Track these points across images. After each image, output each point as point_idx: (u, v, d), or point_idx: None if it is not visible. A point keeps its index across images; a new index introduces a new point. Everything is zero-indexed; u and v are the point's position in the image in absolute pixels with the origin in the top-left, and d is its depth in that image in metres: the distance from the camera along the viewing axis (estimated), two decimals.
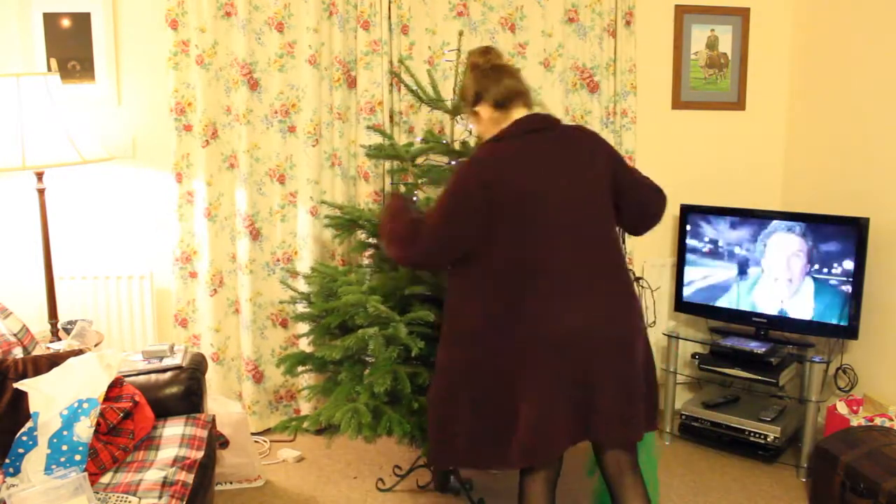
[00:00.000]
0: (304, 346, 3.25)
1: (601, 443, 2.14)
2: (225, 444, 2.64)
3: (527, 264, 1.98)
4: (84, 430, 2.08)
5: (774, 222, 3.14)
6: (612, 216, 2.12)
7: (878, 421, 2.80)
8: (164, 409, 2.45)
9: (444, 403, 2.13)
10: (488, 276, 2.01)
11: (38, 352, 2.52)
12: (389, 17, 3.22)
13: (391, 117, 3.30)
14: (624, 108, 3.40)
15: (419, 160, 2.89)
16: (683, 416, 3.33)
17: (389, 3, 3.20)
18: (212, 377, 3.24)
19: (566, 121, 3.38)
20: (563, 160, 2.04)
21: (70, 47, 3.10)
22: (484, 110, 2.10)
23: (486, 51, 2.17)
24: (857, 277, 2.93)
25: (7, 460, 2.09)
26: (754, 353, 3.11)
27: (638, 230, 2.28)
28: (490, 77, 2.10)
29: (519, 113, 2.09)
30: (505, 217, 1.98)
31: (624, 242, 2.38)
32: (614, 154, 2.14)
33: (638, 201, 2.18)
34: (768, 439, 3.10)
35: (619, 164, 2.14)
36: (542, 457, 2.04)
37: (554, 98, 3.35)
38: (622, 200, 2.13)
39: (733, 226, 3.25)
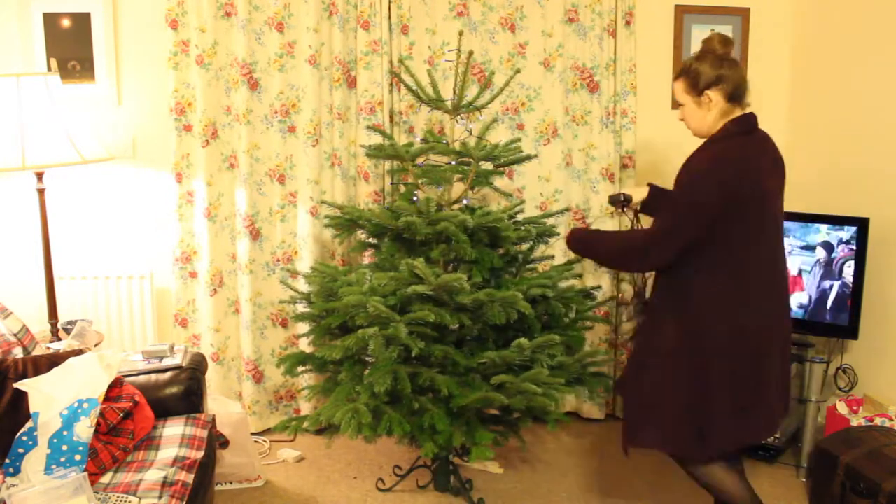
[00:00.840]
0: (304, 346, 3.25)
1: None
2: (225, 444, 2.64)
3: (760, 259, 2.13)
4: (84, 430, 2.08)
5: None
6: None
7: (878, 421, 2.80)
8: (164, 409, 2.45)
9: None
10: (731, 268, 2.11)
11: (38, 352, 2.52)
12: (389, 17, 3.22)
13: (391, 117, 3.30)
14: (624, 108, 3.39)
15: (419, 160, 2.89)
16: None
17: (389, 3, 3.21)
18: (212, 377, 3.24)
19: (566, 121, 3.38)
20: (774, 162, 2.16)
21: (70, 47, 3.10)
22: (716, 97, 2.07)
23: (727, 42, 2.10)
24: (857, 277, 2.93)
25: (7, 460, 2.09)
26: None
27: None
28: (731, 67, 2.07)
29: (742, 110, 2.11)
30: (744, 214, 2.06)
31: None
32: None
33: None
34: (768, 439, 3.09)
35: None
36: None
37: (554, 98, 3.35)
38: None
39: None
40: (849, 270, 2.94)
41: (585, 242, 2.36)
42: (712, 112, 2.09)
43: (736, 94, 2.07)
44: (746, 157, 2.04)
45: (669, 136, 3.58)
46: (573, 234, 2.41)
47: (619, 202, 2.43)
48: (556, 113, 3.36)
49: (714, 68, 2.05)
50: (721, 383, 2.09)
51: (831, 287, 3.00)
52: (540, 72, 3.35)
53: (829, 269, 3.00)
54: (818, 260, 3.02)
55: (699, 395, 2.11)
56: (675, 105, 3.50)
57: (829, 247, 2.99)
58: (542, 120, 3.38)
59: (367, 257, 3.27)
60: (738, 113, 2.09)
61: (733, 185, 2.00)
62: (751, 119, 2.09)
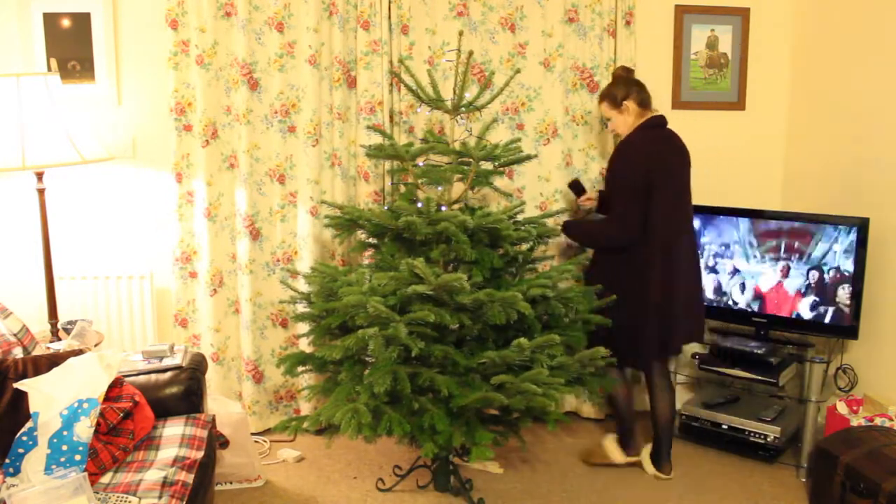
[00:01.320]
0: (304, 346, 3.25)
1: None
2: (225, 444, 2.64)
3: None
4: (84, 430, 2.08)
5: (774, 222, 3.14)
6: None
7: (878, 421, 2.80)
8: (164, 409, 2.45)
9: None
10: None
11: (38, 352, 2.52)
12: (389, 17, 3.22)
13: (391, 117, 3.30)
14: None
15: (419, 160, 2.89)
16: (683, 416, 3.33)
17: (389, 3, 3.21)
18: (211, 377, 3.24)
19: (566, 121, 3.38)
20: (678, 150, 2.89)
21: (70, 47, 3.10)
22: (631, 105, 2.85)
23: (629, 70, 3.00)
24: (857, 277, 2.93)
25: (7, 460, 2.09)
26: (754, 353, 3.11)
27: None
28: (635, 84, 2.88)
29: (651, 113, 2.87)
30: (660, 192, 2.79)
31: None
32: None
33: None
34: (768, 439, 3.09)
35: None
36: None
37: (554, 98, 3.35)
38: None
39: (733, 226, 3.25)
40: (849, 270, 2.94)
41: (581, 231, 3.04)
42: (631, 116, 2.87)
43: (643, 102, 2.87)
44: (651, 144, 2.81)
45: None
46: (568, 225, 3.09)
47: (577, 188, 3.20)
48: (557, 113, 3.36)
49: (625, 86, 2.86)
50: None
51: (831, 287, 3.00)
52: (540, 72, 3.35)
53: (829, 269, 3.00)
54: (818, 260, 3.02)
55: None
56: (676, 105, 3.55)
57: (828, 247, 2.99)
58: (541, 120, 3.38)
59: (367, 257, 3.27)
60: (648, 116, 2.85)
61: (643, 164, 2.76)
62: (657, 119, 2.85)
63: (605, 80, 3.37)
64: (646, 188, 2.74)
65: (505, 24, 3.31)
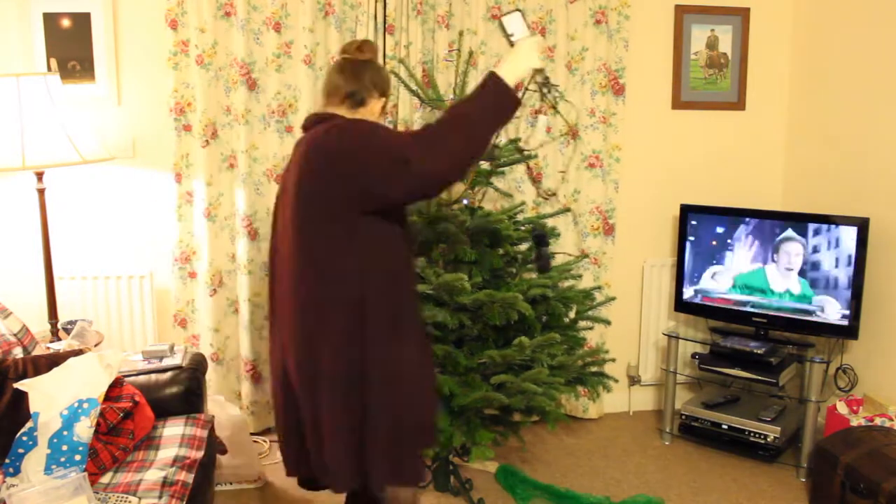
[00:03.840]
0: None
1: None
2: (223, 451, 2.64)
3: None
4: (84, 430, 2.08)
5: (774, 222, 3.14)
6: (319, 234, 1.78)
7: (878, 421, 2.80)
8: (164, 409, 2.45)
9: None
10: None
11: (38, 352, 2.51)
12: (385, 19, 3.21)
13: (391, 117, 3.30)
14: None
15: None
16: (683, 416, 3.33)
17: (384, 3, 3.20)
18: (211, 377, 3.24)
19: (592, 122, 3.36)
20: (287, 171, 1.91)
21: (70, 47, 3.10)
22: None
23: (358, 46, 2.00)
24: (857, 277, 2.93)
25: (7, 460, 2.08)
26: (754, 353, 3.11)
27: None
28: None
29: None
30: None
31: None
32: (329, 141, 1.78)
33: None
34: (768, 439, 3.10)
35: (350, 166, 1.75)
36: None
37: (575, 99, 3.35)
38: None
39: (733, 226, 3.25)
40: (849, 271, 2.94)
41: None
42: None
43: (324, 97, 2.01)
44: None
45: (669, 136, 3.58)
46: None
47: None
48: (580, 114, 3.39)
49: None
50: None
51: (831, 287, 3.00)
52: (564, 74, 3.35)
53: (829, 270, 3.00)
54: (818, 260, 3.02)
55: None
56: (676, 105, 3.55)
57: (828, 246, 2.99)
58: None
59: None
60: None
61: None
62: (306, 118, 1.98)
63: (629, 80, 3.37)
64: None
65: (535, 27, 3.31)
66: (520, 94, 1.73)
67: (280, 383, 1.93)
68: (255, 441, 3.17)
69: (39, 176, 2.84)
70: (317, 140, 1.79)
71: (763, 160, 3.67)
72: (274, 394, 1.98)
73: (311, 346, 1.79)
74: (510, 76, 1.72)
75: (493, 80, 1.70)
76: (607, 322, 2.96)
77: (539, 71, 1.77)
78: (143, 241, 3.29)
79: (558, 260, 3.42)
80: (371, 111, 1.96)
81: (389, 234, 1.84)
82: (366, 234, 1.78)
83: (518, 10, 1.87)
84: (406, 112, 3.25)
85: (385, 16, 3.20)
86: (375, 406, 1.80)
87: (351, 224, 1.76)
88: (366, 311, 1.78)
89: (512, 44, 1.81)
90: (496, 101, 1.70)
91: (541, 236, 2.17)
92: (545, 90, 1.84)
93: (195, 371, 2.59)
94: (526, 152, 2.91)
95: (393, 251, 1.85)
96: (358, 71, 1.93)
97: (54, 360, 2.30)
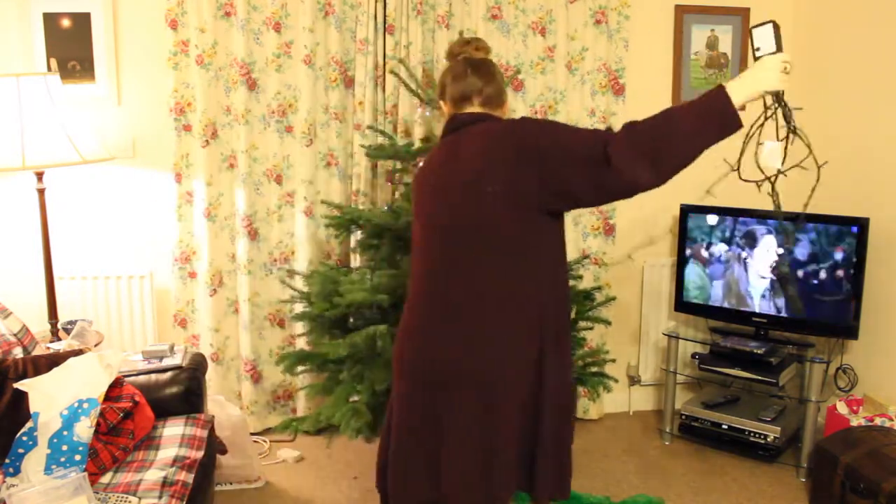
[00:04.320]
0: (302, 345, 3.25)
1: None
2: (223, 451, 2.64)
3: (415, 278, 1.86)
4: (84, 430, 2.08)
5: (774, 222, 3.14)
6: (499, 236, 1.72)
7: (878, 421, 2.80)
8: (164, 409, 2.45)
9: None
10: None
11: (38, 352, 2.52)
12: (385, 19, 3.21)
13: (375, 117, 3.30)
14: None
15: (419, 160, 2.89)
16: (683, 416, 3.33)
17: (380, 2, 3.20)
18: (211, 377, 3.24)
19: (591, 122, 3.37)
20: (443, 168, 1.81)
21: (70, 47, 3.10)
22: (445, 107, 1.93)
23: (467, 42, 1.95)
24: (856, 277, 2.93)
25: (7, 460, 2.08)
26: (754, 353, 3.11)
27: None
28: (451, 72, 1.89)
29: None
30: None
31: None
32: (519, 137, 1.70)
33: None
34: (768, 439, 3.10)
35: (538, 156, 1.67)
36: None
37: (575, 101, 3.38)
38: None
39: (733, 226, 3.25)
40: (849, 271, 2.94)
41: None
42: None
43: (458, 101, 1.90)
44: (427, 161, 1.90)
45: None
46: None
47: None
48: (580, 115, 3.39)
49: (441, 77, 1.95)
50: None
51: (831, 287, 3.00)
52: (564, 74, 3.35)
53: (829, 269, 3.00)
54: (818, 260, 3.02)
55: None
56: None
57: (828, 247, 2.99)
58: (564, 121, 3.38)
59: (367, 259, 3.27)
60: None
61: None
62: (450, 121, 1.89)
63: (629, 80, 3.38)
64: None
65: (535, 28, 3.33)
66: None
67: (425, 386, 1.80)
68: (255, 441, 3.17)
69: (39, 176, 2.84)
70: (505, 133, 1.71)
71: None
72: (410, 402, 1.81)
73: (496, 353, 1.73)
74: (741, 94, 1.56)
75: (719, 93, 1.56)
76: (607, 322, 2.96)
77: (776, 94, 1.57)
78: (143, 241, 3.29)
79: None
80: (506, 111, 1.92)
81: (562, 238, 1.80)
82: (549, 236, 1.75)
83: (772, 21, 1.60)
84: (406, 112, 3.25)
85: (385, 16, 3.20)
86: (548, 421, 1.77)
87: (537, 225, 1.71)
88: (543, 322, 1.75)
89: (756, 58, 1.59)
90: (718, 116, 1.55)
91: (788, 274, 1.97)
92: (785, 112, 1.60)
93: (195, 371, 2.59)
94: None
95: (563, 258, 1.80)
96: (492, 71, 1.87)
97: (54, 360, 2.30)
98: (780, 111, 1.59)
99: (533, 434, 1.78)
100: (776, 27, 1.53)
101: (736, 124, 1.55)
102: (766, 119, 1.62)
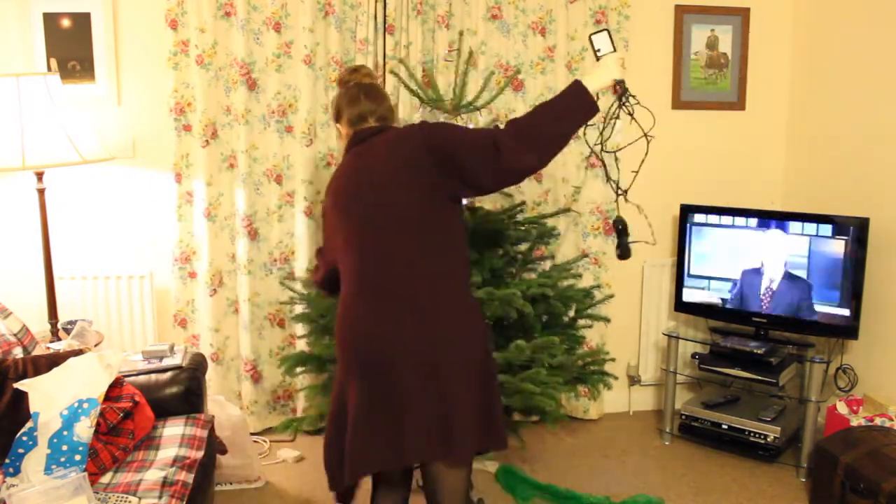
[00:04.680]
0: (302, 346, 3.25)
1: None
2: (223, 451, 2.64)
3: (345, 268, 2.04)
4: (84, 430, 2.08)
5: (774, 222, 3.14)
6: (432, 212, 1.93)
7: (878, 421, 2.80)
8: (164, 409, 2.45)
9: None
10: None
11: (38, 352, 2.52)
12: (385, 19, 3.21)
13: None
14: None
15: None
16: (683, 416, 3.33)
17: (385, 4, 3.20)
18: (211, 377, 3.24)
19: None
20: (361, 174, 2.00)
21: (70, 47, 3.10)
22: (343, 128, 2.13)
23: (355, 70, 2.17)
24: (856, 277, 2.93)
25: (7, 460, 2.08)
26: (754, 353, 3.11)
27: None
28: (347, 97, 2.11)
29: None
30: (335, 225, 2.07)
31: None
32: (424, 137, 1.94)
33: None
34: (768, 439, 3.10)
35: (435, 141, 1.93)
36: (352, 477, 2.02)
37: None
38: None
39: (733, 226, 3.25)
40: (849, 271, 2.94)
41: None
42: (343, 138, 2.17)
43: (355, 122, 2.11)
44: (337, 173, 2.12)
45: (669, 136, 3.58)
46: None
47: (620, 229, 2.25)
48: None
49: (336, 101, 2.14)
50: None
51: (831, 287, 3.00)
52: (564, 74, 3.35)
53: (829, 269, 3.00)
54: (818, 260, 3.02)
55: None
56: (676, 105, 3.55)
57: (828, 247, 2.99)
58: None
59: None
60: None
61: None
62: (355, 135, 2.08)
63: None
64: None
65: (535, 28, 3.32)
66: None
67: (421, 374, 1.93)
68: (255, 441, 3.17)
69: (39, 176, 2.84)
70: (409, 135, 1.96)
71: (763, 160, 3.67)
72: (408, 386, 1.93)
73: (466, 340, 1.95)
74: (593, 84, 1.93)
75: (576, 86, 1.91)
76: (607, 319, 2.95)
77: (620, 82, 2.00)
78: (143, 241, 3.29)
79: (558, 259, 3.42)
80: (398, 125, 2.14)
81: (463, 219, 2.05)
82: (458, 218, 1.99)
83: (606, 29, 2.13)
84: (406, 112, 3.25)
85: (385, 16, 3.20)
86: (495, 387, 2.03)
87: (448, 210, 1.95)
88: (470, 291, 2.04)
89: (598, 58, 2.03)
90: (578, 104, 1.90)
91: (621, 226, 2.28)
92: (623, 99, 2.07)
93: (195, 371, 2.59)
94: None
95: (466, 236, 2.04)
96: (382, 94, 2.12)
97: (54, 360, 2.30)
98: (622, 98, 2.06)
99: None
100: (609, 33, 2.04)
101: (594, 109, 1.92)
102: (620, 101, 2.07)
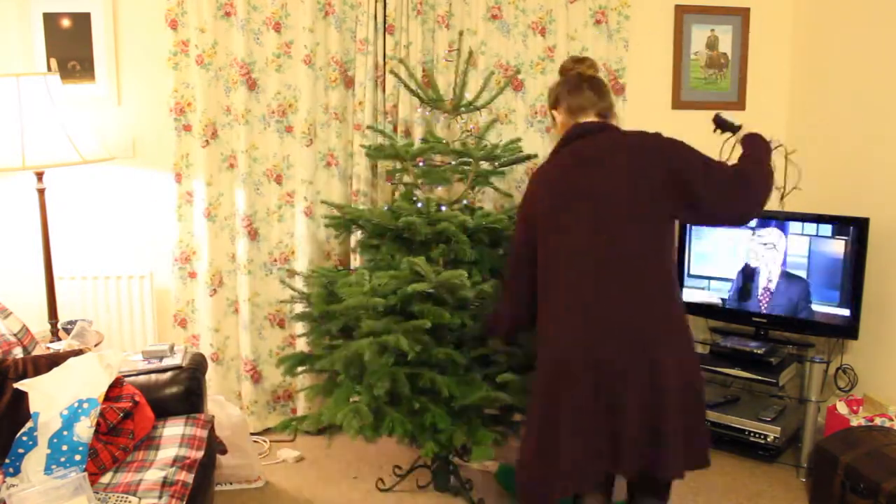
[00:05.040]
0: (302, 346, 3.25)
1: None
2: (223, 451, 2.64)
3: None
4: (84, 430, 2.08)
5: (774, 222, 3.14)
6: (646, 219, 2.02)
7: (878, 421, 2.80)
8: (164, 409, 2.45)
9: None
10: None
11: (38, 352, 2.52)
12: (385, 19, 3.21)
13: (375, 117, 3.30)
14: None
15: (419, 160, 2.89)
16: None
17: (375, 2, 3.20)
18: (211, 377, 3.24)
19: None
20: (584, 173, 2.05)
21: (70, 47, 3.10)
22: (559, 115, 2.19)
23: (579, 60, 2.26)
24: (856, 277, 2.93)
25: (7, 460, 2.08)
26: (754, 353, 3.11)
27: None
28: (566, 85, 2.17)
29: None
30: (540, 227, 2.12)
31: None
32: (652, 149, 2.07)
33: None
34: (768, 439, 3.09)
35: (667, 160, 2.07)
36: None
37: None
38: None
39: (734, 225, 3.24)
40: (849, 271, 2.94)
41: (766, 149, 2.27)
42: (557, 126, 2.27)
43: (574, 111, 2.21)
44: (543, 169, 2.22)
45: (669, 135, 3.57)
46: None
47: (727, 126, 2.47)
48: None
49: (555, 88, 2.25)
50: (530, 417, 2.12)
51: (831, 287, 3.00)
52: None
53: (829, 269, 3.00)
54: (818, 260, 3.02)
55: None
56: (676, 105, 3.55)
57: (828, 247, 2.99)
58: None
59: (364, 258, 3.27)
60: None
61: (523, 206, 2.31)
62: (573, 130, 2.17)
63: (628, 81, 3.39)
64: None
65: (535, 28, 3.32)
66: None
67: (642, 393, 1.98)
68: (255, 441, 3.17)
69: (39, 176, 2.84)
70: (650, 147, 2.05)
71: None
72: (629, 404, 1.97)
73: (688, 366, 2.05)
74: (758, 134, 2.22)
75: (757, 135, 2.23)
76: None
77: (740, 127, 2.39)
78: (143, 241, 3.29)
79: None
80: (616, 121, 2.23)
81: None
82: (671, 237, 2.06)
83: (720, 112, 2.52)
84: (406, 112, 3.25)
85: (385, 16, 3.20)
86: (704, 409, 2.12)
87: (670, 227, 2.05)
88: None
89: (738, 126, 2.40)
90: (766, 146, 2.21)
91: (720, 121, 2.52)
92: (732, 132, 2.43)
93: (195, 371, 2.59)
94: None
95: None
96: (606, 89, 2.16)
97: (54, 360, 2.30)
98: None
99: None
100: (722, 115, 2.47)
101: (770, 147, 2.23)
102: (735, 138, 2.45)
